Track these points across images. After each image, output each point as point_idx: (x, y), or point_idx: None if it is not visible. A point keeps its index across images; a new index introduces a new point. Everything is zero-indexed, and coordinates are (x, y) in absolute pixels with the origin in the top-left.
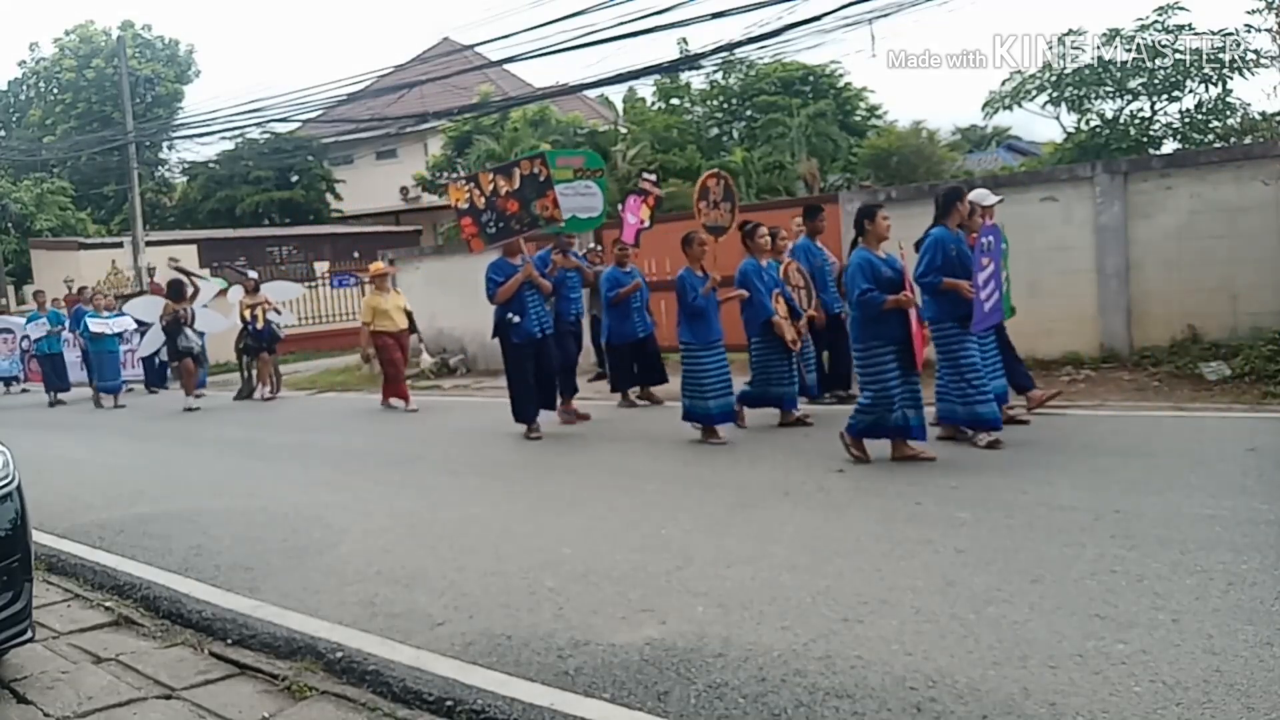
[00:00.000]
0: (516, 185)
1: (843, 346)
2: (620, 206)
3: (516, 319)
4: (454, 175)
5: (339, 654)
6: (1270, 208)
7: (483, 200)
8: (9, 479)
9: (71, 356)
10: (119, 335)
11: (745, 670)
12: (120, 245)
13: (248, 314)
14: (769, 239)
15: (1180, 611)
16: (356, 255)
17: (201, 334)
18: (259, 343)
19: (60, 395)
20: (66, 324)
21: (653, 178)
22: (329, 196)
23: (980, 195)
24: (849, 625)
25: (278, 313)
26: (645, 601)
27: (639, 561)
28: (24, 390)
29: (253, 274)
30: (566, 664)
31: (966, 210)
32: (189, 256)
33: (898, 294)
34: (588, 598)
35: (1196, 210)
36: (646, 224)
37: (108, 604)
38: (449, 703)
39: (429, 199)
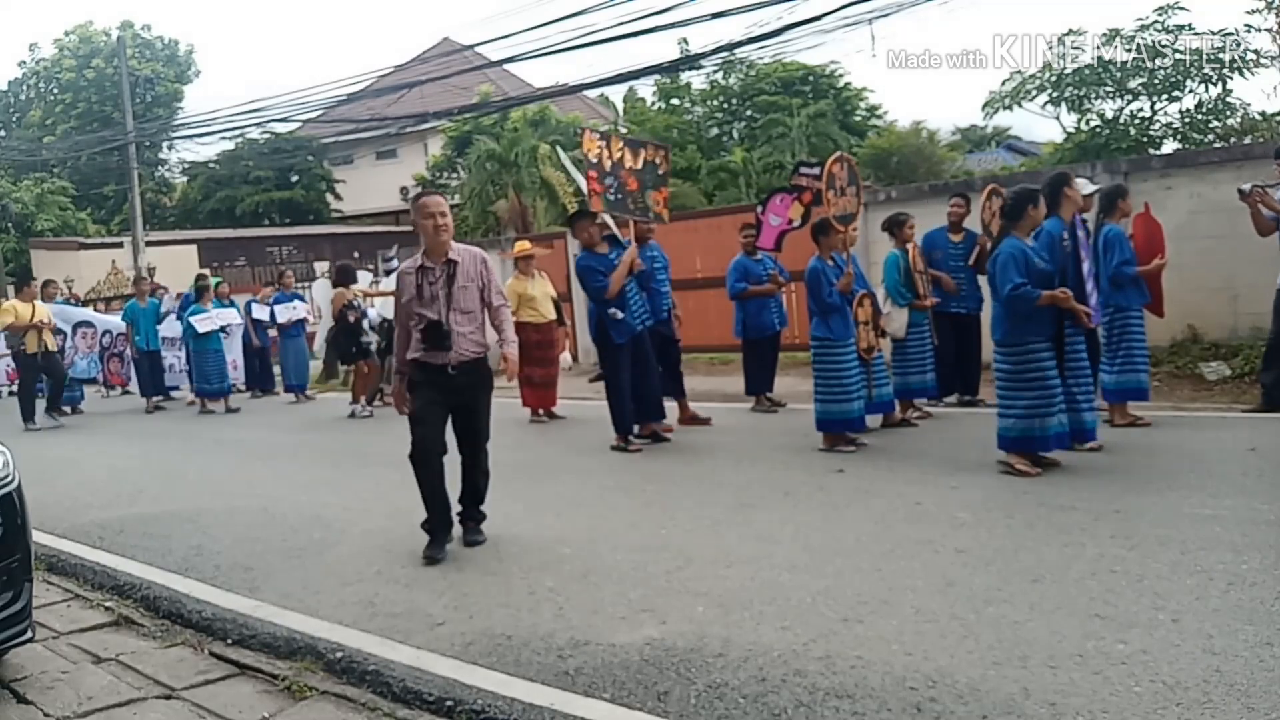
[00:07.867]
0: (639, 166)
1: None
2: (760, 208)
3: (620, 315)
4: (592, 127)
5: (339, 654)
6: None
7: (609, 163)
8: (9, 479)
9: (172, 357)
10: (223, 331)
11: (745, 670)
12: (120, 245)
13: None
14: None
15: (1180, 611)
16: (356, 255)
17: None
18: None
19: (159, 402)
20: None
21: (814, 170)
22: (329, 196)
23: (1079, 185)
24: (849, 625)
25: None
26: (645, 601)
27: (639, 561)
28: (104, 395)
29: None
30: (566, 664)
31: (1079, 198)
32: (189, 257)
33: (1051, 288)
34: (588, 598)
35: (1196, 210)
36: (797, 223)
37: (108, 604)
38: (449, 703)
39: None
